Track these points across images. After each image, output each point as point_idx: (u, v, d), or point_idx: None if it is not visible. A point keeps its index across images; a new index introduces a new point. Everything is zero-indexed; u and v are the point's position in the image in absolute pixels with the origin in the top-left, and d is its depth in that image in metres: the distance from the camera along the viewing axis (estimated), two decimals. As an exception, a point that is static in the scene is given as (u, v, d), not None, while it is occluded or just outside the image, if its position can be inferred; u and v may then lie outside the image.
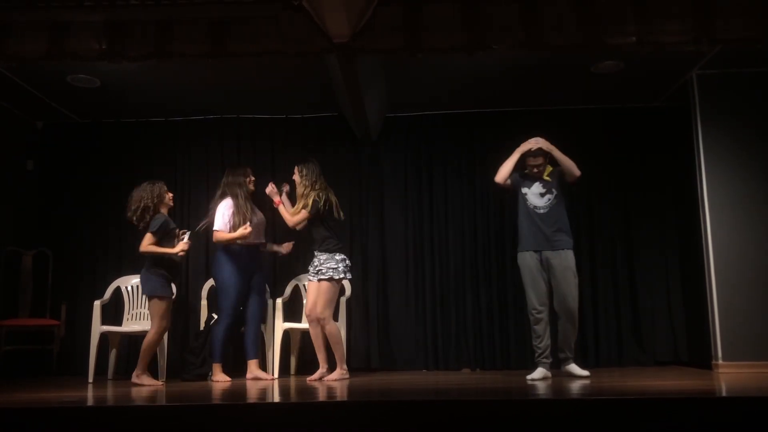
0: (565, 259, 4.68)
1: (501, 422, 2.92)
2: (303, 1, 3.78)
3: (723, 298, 5.12)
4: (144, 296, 5.12)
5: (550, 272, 4.68)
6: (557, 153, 4.78)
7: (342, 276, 4.93)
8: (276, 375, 5.21)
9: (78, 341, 5.75)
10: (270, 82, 5.46)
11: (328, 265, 4.92)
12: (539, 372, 4.61)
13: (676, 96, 5.74)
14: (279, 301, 5.40)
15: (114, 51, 4.09)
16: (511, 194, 5.03)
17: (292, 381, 5.00)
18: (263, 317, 5.40)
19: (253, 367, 5.11)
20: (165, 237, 4.70)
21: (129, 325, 5.59)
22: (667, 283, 5.83)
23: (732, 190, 5.25)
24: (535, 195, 4.80)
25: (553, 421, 2.94)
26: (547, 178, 4.82)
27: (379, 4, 3.88)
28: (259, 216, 5.27)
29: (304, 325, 5.22)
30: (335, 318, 5.26)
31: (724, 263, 5.17)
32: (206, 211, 5.40)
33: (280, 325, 5.31)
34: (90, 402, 3.66)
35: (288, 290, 5.69)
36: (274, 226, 5.88)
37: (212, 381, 4.95)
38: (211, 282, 5.43)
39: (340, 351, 4.96)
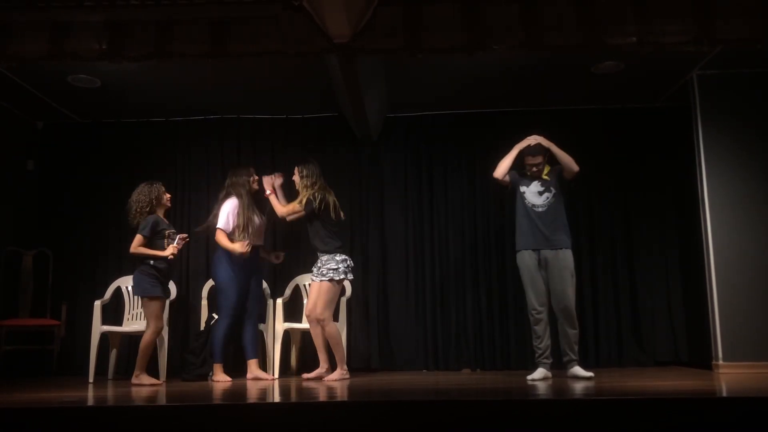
0: (563, 259, 4.68)
1: (501, 422, 2.92)
2: (303, 1, 3.78)
3: (723, 298, 5.12)
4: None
5: (547, 271, 4.68)
6: (555, 149, 4.78)
7: (342, 277, 4.94)
8: (276, 375, 5.22)
9: (78, 341, 5.75)
10: (270, 82, 5.46)
11: (328, 266, 4.92)
12: (539, 372, 4.61)
13: (677, 96, 5.74)
14: (279, 301, 5.40)
15: (114, 51, 4.09)
16: (509, 191, 5.02)
17: (293, 381, 5.00)
18: (263, 317, 5.41)
19: (253, 367, 5.11)
20: (155, 237, 4.69)
21: (129, 325, 5.60)
22: (668, 283, 5.83)
23: (732, 190, 5.25)
24: (533, 193, 4.80)
25: (553, 421, 2.94)
26: (546, 177, 4.82)
27: (380, 4, 3.87)
28: (261, 218, 5.28)
29: (304, 325, 5.22)
30: (335, 318, 5.27)
31: (724, 263, 5.17)
32: (207, 213, 5.41)
33: (281, 325, 5.31)
34: (90, 402, 3.66)
35: (288, 290, 5.69)
36: (275, 228, 5.89)
37: (213, 381, 4.95)
38: (211, 282, 5.43)
39: (340, 351, 4.97)
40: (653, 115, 6.03)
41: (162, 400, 3.73)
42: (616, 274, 5.87)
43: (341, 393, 3.90)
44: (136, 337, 5.41)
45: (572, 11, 3.99)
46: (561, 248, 4.70)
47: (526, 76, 5.42)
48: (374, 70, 5.00)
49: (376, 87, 5.25)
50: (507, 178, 4.89)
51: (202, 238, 5.92)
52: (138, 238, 4.65)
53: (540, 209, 4.76)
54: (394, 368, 5.79)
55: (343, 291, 5.33)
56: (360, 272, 5.84)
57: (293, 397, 3.81)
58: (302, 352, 5.67)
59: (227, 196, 5.22)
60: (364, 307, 5.93)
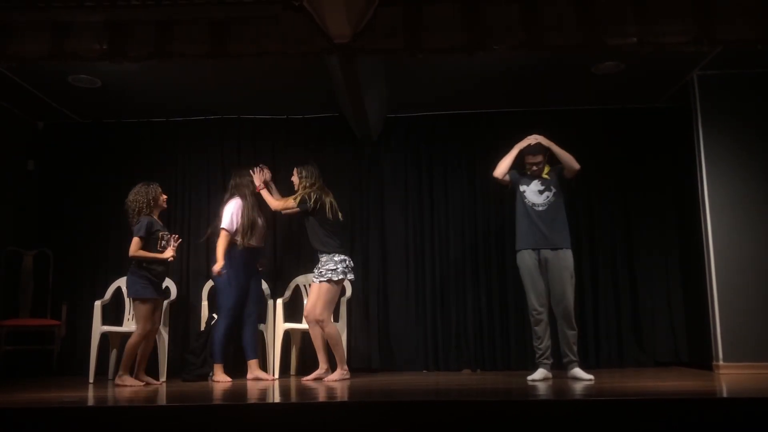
0: (563, 259, 4.67)
1: (501, 423, 2.92)
2: (304, 2, 3.78)
3: (723, 299, 5.12)
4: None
5: (547, 271, 4.68)
6: (556, 148, 4.78)
7: (341, 277, 4.94)
8: (276, 375, 5.22)
9: (78, 341, 5.75)
10: (270, 82, 5.46)
11: (327, 266, 4.93)
12: (540, 373, 4.61)
13: (677, 97, 5.74)
14: (279, 301, 5.40)
15: (115, 51, 4.09)
16: (509, 191, 5.01)
17: (293, 381, 5.00)
18: (263, 317, 5.41)
19: (253, 368, 5.12)
20: (149, 239, 4.69)
21: (129, 326, 5.57)
22: (668, 283, 5.83)
23: (732, 190, 5.25)
24: (533, 192, 4.80)
25: (553, 421, 2.94)
26: (546, 177, 4.81)
27: (380, 4, 3.87)
28: (264, 220, 5.30)
29: (304, 325, 5.22)
30: (336, 318, 5.27)
31: (724, 263, 5.17)
32: (207, 214, 5.42)
33: (281, 326, 5.31)
34: (90, 402, 3.66)
35: (288, 291, 5.69)
36: (275, 230, 5.89)
37: (213, 381, 4.96)
38: (211, 283, 5.43)
39: (340, 352, 4.97)
40: (653, 116, 6.03)
41: (162, 401, 3.73)
42: (616, 274, 5.87)
43: (341, 393, 3.90)
44: (136, 337, 5.42)
45: (572, 11, 3.99)
46: (561, 248, 4.69)
47: (527, 76, 5.42)
48: (374, 70, 5.00)
49: (376, 87, 5.26)
50: (507, 177, 4.89)
51: (203, 239, 5.93)
52: (136, 241, 4.63)
53: (540, 208, 4.75)
54: (395, 368, 5.78)
55: (343, 291, 5.33)
56: (360, 272, 5.84)
57: (293, 398, 3.81)
58: (302, 353, 5.67)
59: (231, 197, 5.23)
60: (365, 307, 5.92)
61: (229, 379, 4.98)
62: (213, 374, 5.02)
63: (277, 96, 5.80)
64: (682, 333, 5.74)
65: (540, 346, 4.68)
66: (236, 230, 5.11)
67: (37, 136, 6.28)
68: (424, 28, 4.00)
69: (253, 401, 3.52)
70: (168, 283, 5.64)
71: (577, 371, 4.58)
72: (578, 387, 4.01)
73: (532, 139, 4.82)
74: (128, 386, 4.54)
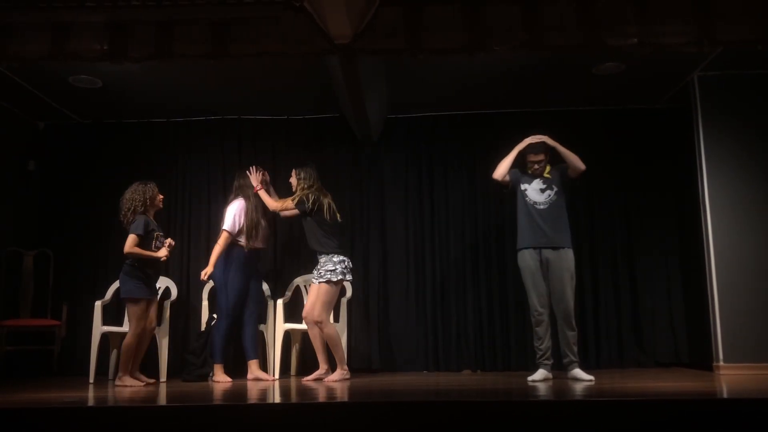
0: (564, 259, 4.67)
1: (502, 423, 2.92)
2: (304, 2, 3.78)
3: (724, 300, 5.12)
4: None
5: (548, 271, 4.67)
6: (561, 148, 4.77)
7: (340, 278, 4.94)
8: (276, 376, 5.22)
9: (79, 341, 5.75)
10: (271, 82, 5.46)
11: (326, 267, 4.94)
12: (540, 373, 4.60)
13: (678, 98, 5.74)
14: (280, 302, 5.40)
15: (115, 52, 4.10)
16: (509, 191, 5.00)
17: (293, 381, 5.00)
18: (263, 318, 5.41)
19: (253, 368, 5.12)
20: (145, 238, 4.69)
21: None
22: (668, 284, 5.83)
23: (733, 191, 5.25)
24: (535, 191, 4.78)
25: (553, 422, 2.94)
26: (548, 176, 4.81)
27: (380, 4, 3.88)
28: (267, 222, 5.30)
29: (304, 326, 5.21)
30: (336, 319, 5.27)
31: (724, 264, 5.17)
32: (208, 214, 5.42)
33: (281, 326, 5.31)
34: (91, 402, 3.66)
35: (289, 291, 5.69)
36: (276, 231, 5.89)
37: (213, 381, 4.96)
38: (212, 283, 5.43)
39: (340, 352, 4.97)
40: (654, 116, 6.03)
41: (162, 401, 3.73)
42: (616, 274, 5.87)
43: (341, 393, 3.90)
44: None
45: (573, 12, 3.99)
46: (563, 247, 4.68)
47: (527, 76, 5.42)
48: (375, 70, 5.00)
49: (376, 88, 5.26)
50: (507, 178, 4.88)
51: (203, 239, 5.93)
52: (132, 238, 4.62)
53: (541, 207, 4.74)
54: (395, 369, 5.79)
55: (343, 291, 5.34)
56: (360, 273, 5.84)
57: (293, 398, 3.81)
58: (302, 353, 5.67)
59: (235, 197, 5.24)
60: (365, 307, 5.92)
61: (229, 379, 4.98)
62: (213, 374, 5.02)
63: (278, 96, 5.80)
64: (682, 334, 5.74)
65: (540, 347, 4.67)
66: (239, 231, 5.11)
67: (37, 137, 6.29)
68: (424, 29, 4.00)
69: (253, 401, 3.52)
70: (168, 283, 5.67)
71: (578, 372, 4.58)
72: (578, 388, 4.00)
73: (532, 140, 4.82)
74: (128, 386, 4.54)
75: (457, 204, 6.06)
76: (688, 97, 5.52)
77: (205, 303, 5.54)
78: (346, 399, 3.60)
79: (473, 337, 5.84)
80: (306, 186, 5.09)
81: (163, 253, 4.68)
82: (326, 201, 5.07)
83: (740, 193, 5.24)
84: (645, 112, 6.04)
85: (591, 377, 4.48)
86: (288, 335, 5.46)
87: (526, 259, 4.73)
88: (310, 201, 5.00)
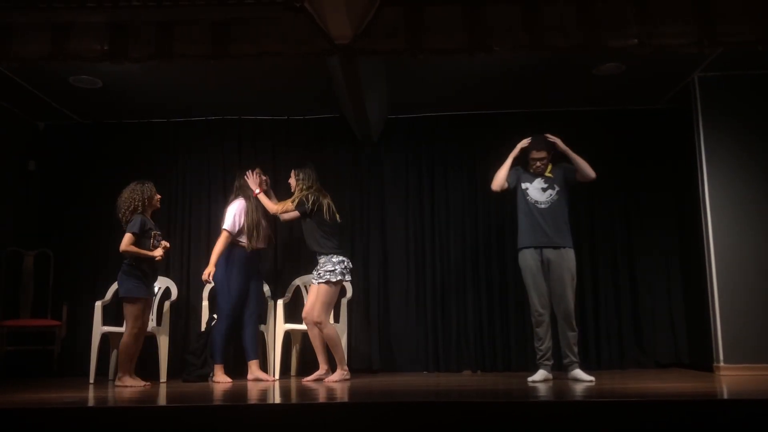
0: (565, 259, 4.66)
1: (502, 424, 2.92)
2: (305, 2, 3.78)
3: (724, 300, 5.12)
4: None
5: (549, 271, 4.67)
6: (572, 154, 4.76)
7: (339, 278, 4.94)
8: (277, 376, 5.22)
9: (79, 342, 5.75)
10: (271, 83, 5.46)
11: (325, 268, 4.94)
12: (540, 374, 4.60)
13: (678, 98, 5.74)
14: (280, 302, 5.40)
15: (116, 52, 4.09)
16: (510, 193, 4.98)
17: (293, 382, 5.00)
18: (263, 318, 5.41)
19: (253, 368, 5.11)
20: (142, 237, 4.68)
21: (130, 326, 5.59)
22: (668, 284, 5.83)
23: (733, 191, 5.25)
24: (536, 190, 4.77)
25: (553, 423, 2.94)
26: (549, 175, 4.80)
27: (381, 5, 3.87)
28: (267, 222, 5.30)
29: (304, 326, 5.22)
30: (336, 319, 5.27)
31: (725, 265, 5.17)
32: (208, 214, 5.42)
33: (281, 327, 5.31)
34: (91, 402, 3.66)
35: (289, 292, 5.69)
36: (276, 231, 5.89)
37: (213, 382, 4.96)
38: (212, 283, 5.42)
39: (340, 352, 4.97)
40: (654, 117, 6.03)
41: (162, 401, 3.73)
42: (616, 275, 5.87)
43: (342, 394, 3.90)
44: (136, 337, 5.41)
45: (573, 12, 3.99)
46: (564, 247, 4.67)
47: (527, 77, 5.42)
48: (375, 70, 5.00)
49: (377, 88, 5.26)
50: (506, 185, 4.84)
51: (203, 239, 5.93)
52: (128, 237, 4.61)
53: (543, 206, 4.73)
54: (395, 369, 5.79)
55: (343, 292, 5.34)
56: (361, 273, 5.84)
57: (294, 398, 3.81)
58: (303, 354, 5.67)
59: (236, 197, 5.24)
60: (365, 308, 5.92)
61: (229, 379, 4.98)
62: (213, 375, 5.02)
63: (278, 96, 5.80)
64: (682, 334, 5.73)
65: (541, 347, 4.67)
66: (240, 231, 5.12)
67: (37, 137, 6.29)
68: (425, 29, 4.00)
69: (253, 402, 3.52)
70: (168, 283, 5.67)
71: (578, 372, 4.58)
72: (579, 388, 4.00)
73: (525, 143, 4.81)
74: (128, 387, 4.54)
75: (457, 204, 6.06)
76: (688, 97, 5.52)
77: (205, 303, 5.53)
78: (346, 399, 3.60)
79: (473, 337, 5.83)
80: (305, 187, 5.09)
81: (158, 252, 4.68)
82: (326, 201, 5.07)
83: (740, 193, 5.24)
84: (645, 112, 6.04)
85: (591, 378, 4.48)
86: (288, 336, 5.46)
87: (527, 258, 4.72)
88: (310, 201, 5.00)
